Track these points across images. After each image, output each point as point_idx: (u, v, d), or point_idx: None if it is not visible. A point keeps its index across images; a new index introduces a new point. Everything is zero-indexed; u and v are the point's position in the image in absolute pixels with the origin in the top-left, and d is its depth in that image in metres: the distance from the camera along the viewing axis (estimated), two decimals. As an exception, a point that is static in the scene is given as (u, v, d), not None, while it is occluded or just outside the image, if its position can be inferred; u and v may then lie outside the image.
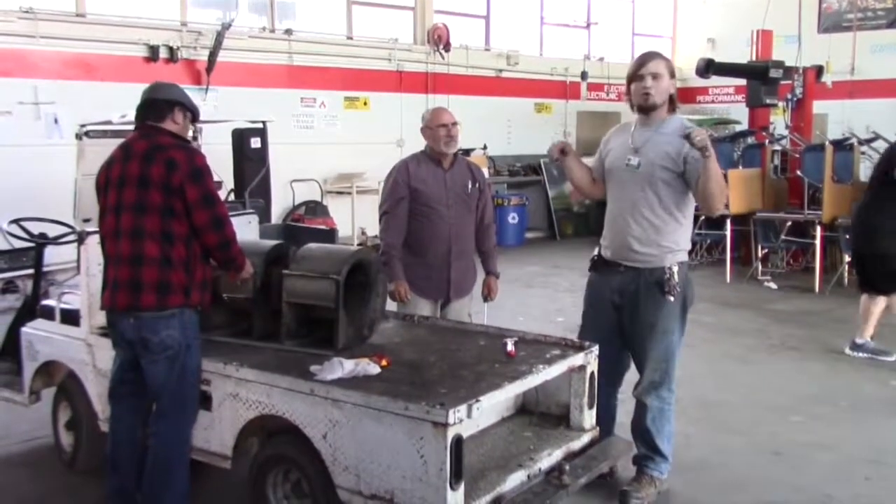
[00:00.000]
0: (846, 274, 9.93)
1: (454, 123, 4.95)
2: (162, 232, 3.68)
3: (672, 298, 4.12)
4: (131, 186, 3.71)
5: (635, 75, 4.13)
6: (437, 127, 4.92)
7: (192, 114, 3.98)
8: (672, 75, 4.15)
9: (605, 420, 4.34)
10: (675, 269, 4.13)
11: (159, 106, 3.87)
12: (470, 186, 5.04)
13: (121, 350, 3.90)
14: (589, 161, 4.55)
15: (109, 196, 3.80)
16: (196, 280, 3.79)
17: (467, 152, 13.65)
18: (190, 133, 4.13)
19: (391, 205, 4.94)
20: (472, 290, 5.17)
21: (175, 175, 3.66)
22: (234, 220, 5.10)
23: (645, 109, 4.16)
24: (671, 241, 4.14)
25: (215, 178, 4.22)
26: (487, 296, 5.22)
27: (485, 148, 14.12)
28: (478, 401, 3.28)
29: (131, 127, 6.36)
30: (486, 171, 13.95)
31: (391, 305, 4.68)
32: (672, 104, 4.18)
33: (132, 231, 3.70)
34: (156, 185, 3.66)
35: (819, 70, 12.05)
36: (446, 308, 5.06)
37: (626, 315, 4.25)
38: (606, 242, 4.32)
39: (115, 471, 3.94)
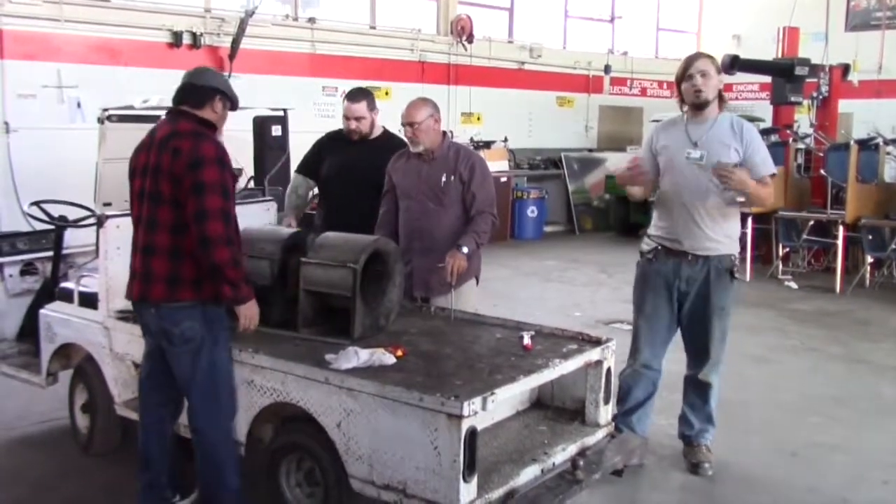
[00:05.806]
0: (868, 275, 9.84)
1: (412, 124, 4.69)
2: (173, 223, 3.59)
3: (736, 282, 4.52)
4: (149, 175, 3.65)
5: (684, 75, 4.34)
6: (402, 125, 4.79)
7: (232, 103, 3.83)
8: (718, 72, 4.37)
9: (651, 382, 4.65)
10: (737, 255, 4.53)
11: (202, 92, 3.72)
12: (444, 179, 4.72)
13: (148, 339, 3.87)
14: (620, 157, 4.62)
15: (135, 184, 3.77)
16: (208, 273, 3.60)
17: (488, 144, 13.65)
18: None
19: (382, 195, 4.92)
20: (450, 287, 4.65)
21: (178, 163, 3.54)
22: (252, 207, 5.14)
23: (699, 106, 4.36)
24: (734, 230, 4.51)
25: (235, 165, 4.16)
26: (450, 272, 4.47)
27: (505, 140, 14.08)
28: (493, 393, 3.26)
29: (153, 112, 6.38)
30: (506, 164, 13.98)
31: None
32: (721, 100, 4.40)
33: (148, 221, 3.66)
34: (164, 174, 3.57)
35: (845, 68, 11.93)
36: (430, 304, 4.78)
37: (690, 301, 4.48)
38: (667, 233, 4.47)
39: (146, 466, 3.88)
